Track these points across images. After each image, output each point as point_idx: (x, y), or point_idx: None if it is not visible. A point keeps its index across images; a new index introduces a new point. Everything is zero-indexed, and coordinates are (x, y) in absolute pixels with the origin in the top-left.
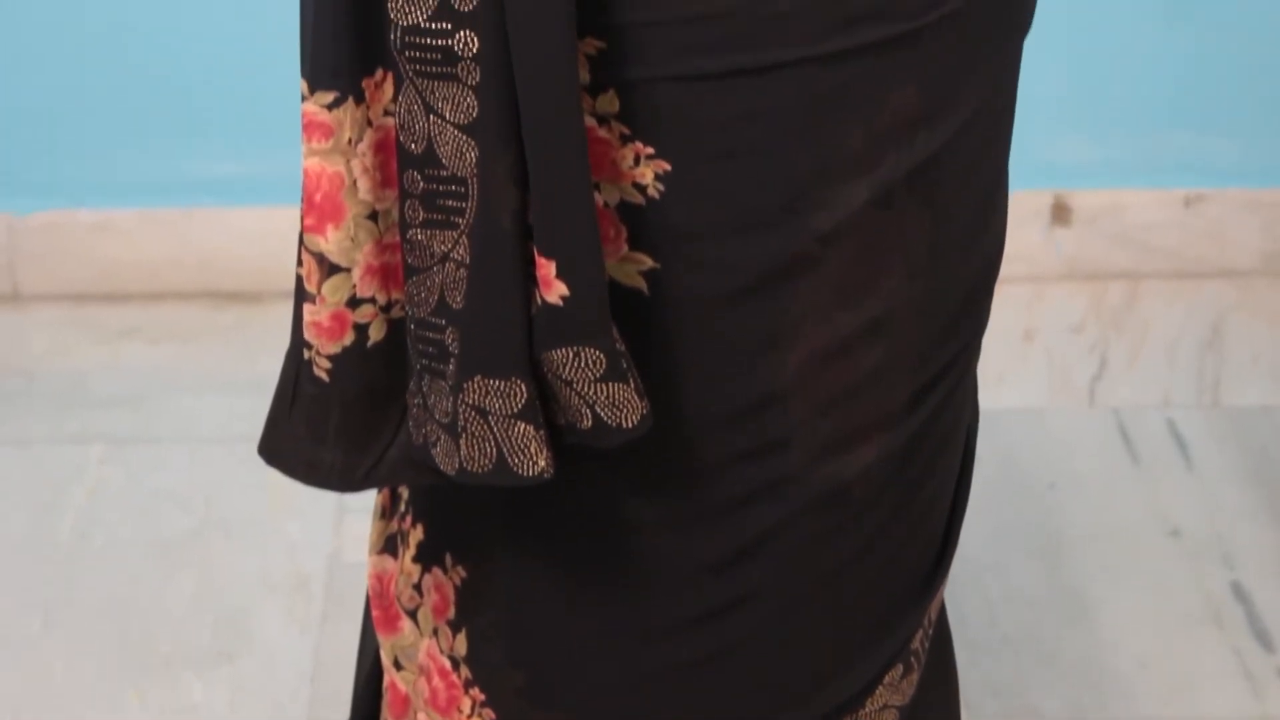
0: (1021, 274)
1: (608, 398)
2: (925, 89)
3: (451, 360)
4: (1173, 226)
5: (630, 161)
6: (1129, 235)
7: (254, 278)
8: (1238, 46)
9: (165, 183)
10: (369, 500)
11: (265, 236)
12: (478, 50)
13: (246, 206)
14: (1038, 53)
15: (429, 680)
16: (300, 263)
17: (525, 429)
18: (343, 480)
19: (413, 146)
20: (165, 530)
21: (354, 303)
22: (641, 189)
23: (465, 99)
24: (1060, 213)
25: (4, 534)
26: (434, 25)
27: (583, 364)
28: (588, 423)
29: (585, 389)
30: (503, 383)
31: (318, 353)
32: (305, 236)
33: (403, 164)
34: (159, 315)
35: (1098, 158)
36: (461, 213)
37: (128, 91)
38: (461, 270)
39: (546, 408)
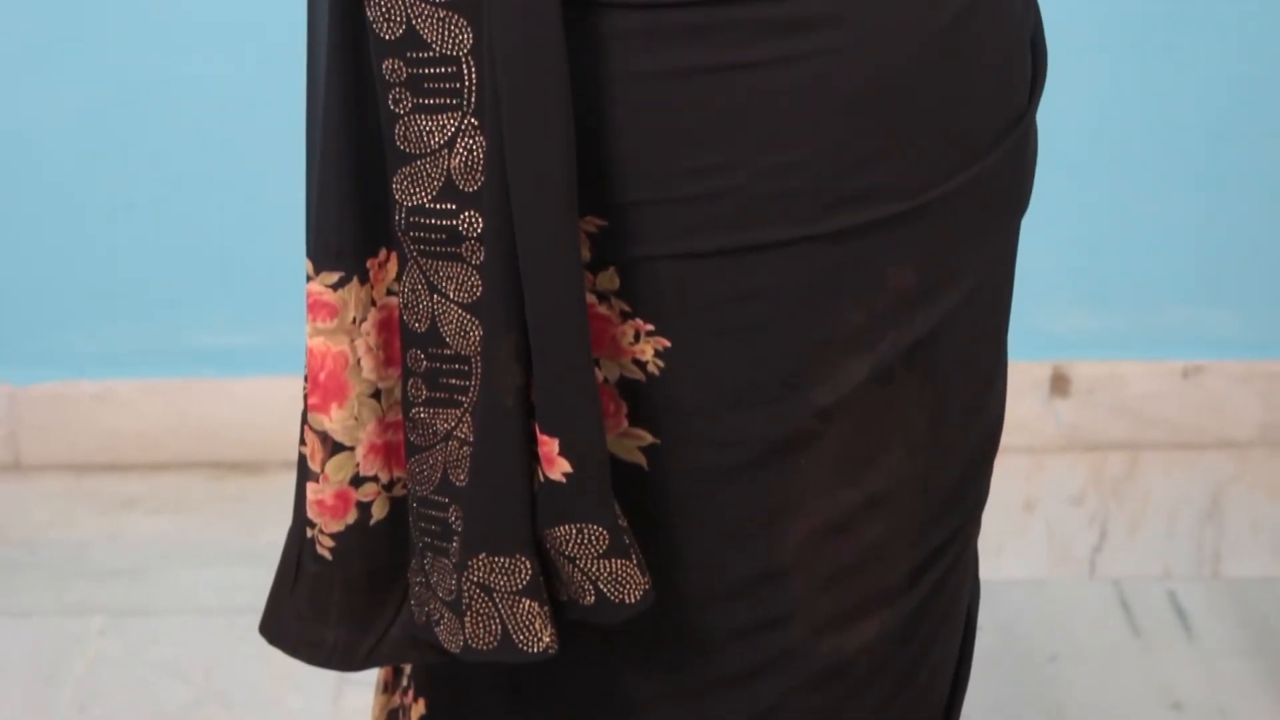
0: (1021, 444)
1: (610, 574)
2: (924, 267)
3: (455, 538)
4: (1171, 397)
5: (630, 338)
6: (1128, 406)
7: (255, 448)
8: (1234, 220)
9: (166, 353)
10: (370, 674)
11: (266, 407)
12: (482, 230)
13: (248, 377)
14: (1036, 224)
15: None
16: (303, 441)
17: (530, 605)
18: (345, 660)
19: (416, 325)
20: (165, 703)
21: (357, 481)
22: (642, 365)
23: (469, 278)
24: (1059, 383)
25: (3, 706)
26: (439, 206)
27: (585, 540)
28: (591, 598)
29: (588, 565)
30: (507, 560)
31: (321, 531)
32: (309, 415)
33: (406, 342)
34: (160, 486)
35: (1096, 329)
36: (465, 391)
37: (129, 262)
38: (465, 448)
39: (549, 583)
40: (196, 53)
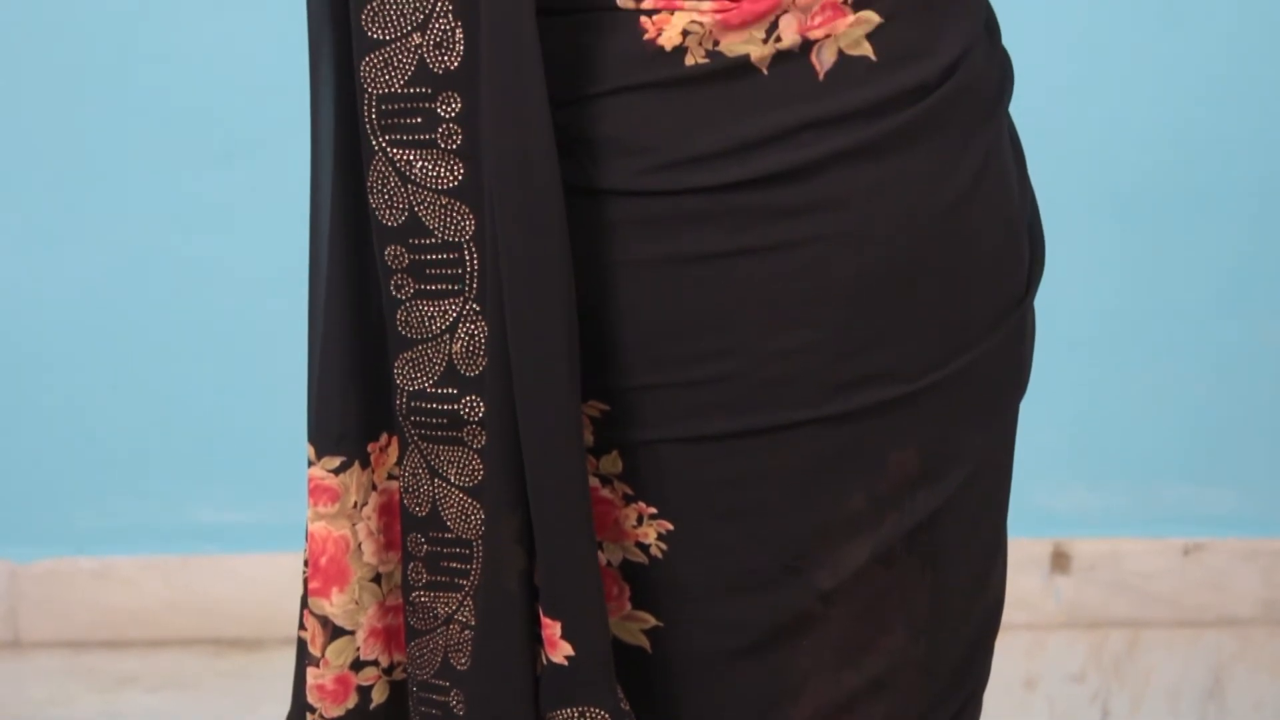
0: (1021, 622)
1: None
2: (926, 450)
3: None
4: (1172, 575)
5: (633, 521)
6: (1128, 583)
7: (254, 625)
8: (1233, 397)
9: (165, 530)
10: None
11: (265, 583)
12: (484, 415)
13: (247, 553)
14: (1035, 400)
15: None
16: (303, 626)
17: None
18: None
19: (417, 509)
20: None
21: (357, 665)
22: (644, 548)
23: (470, 463)
24: (1059, 560)
25: None
26: (440, 390)
27: None
28: None
29: None
30: None
31: (321, 716)
32: (310, 600)
33: (406, 527)
34: (159, 662)
35: (1096, 506)
36: (466, 574)
37: (128, 438)
38: (466, 632)
39: None
40: (199, 232)
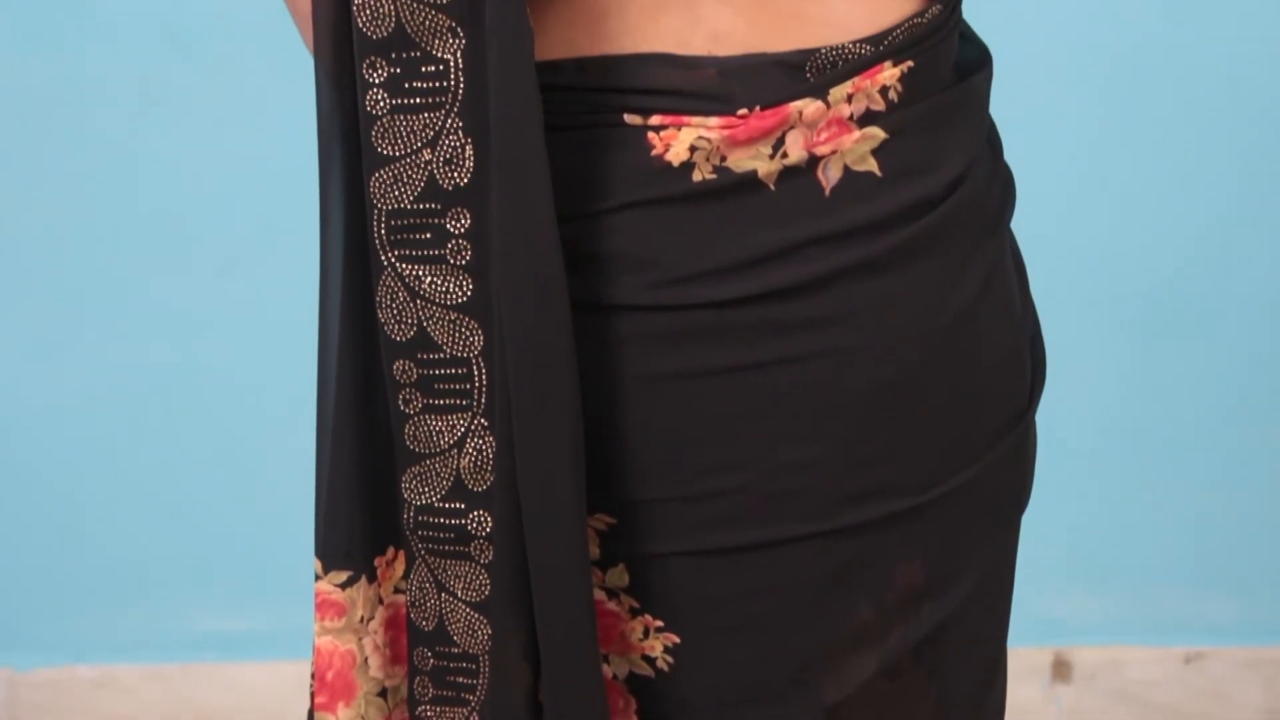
0: None
1: None
2: (931, 562)
3: None
4: (1173, 683)
5: (640, 634)
6: (1129, 692)
7: None
8: (1234, 506)
9: (166, 638)
10: None
11: (267, 692)
12: (491, 530)
13: (249, 662)
14: (1036, 509)
15: None
16: None
17: None
18: None
19: (424, 624)
20: None
21: None
22: (651, 661)
23: (478, 577)
24: (1060, 669)
25: None
26: (448, 505)
27: None
28: None
29: None
30: None
31: None
32: (316, 714)
33: (413, 641)
34: None
35: (1097, 614)
36: (472, 689)
37: (129, 546)
38: None
39: None
40: (202, 340)
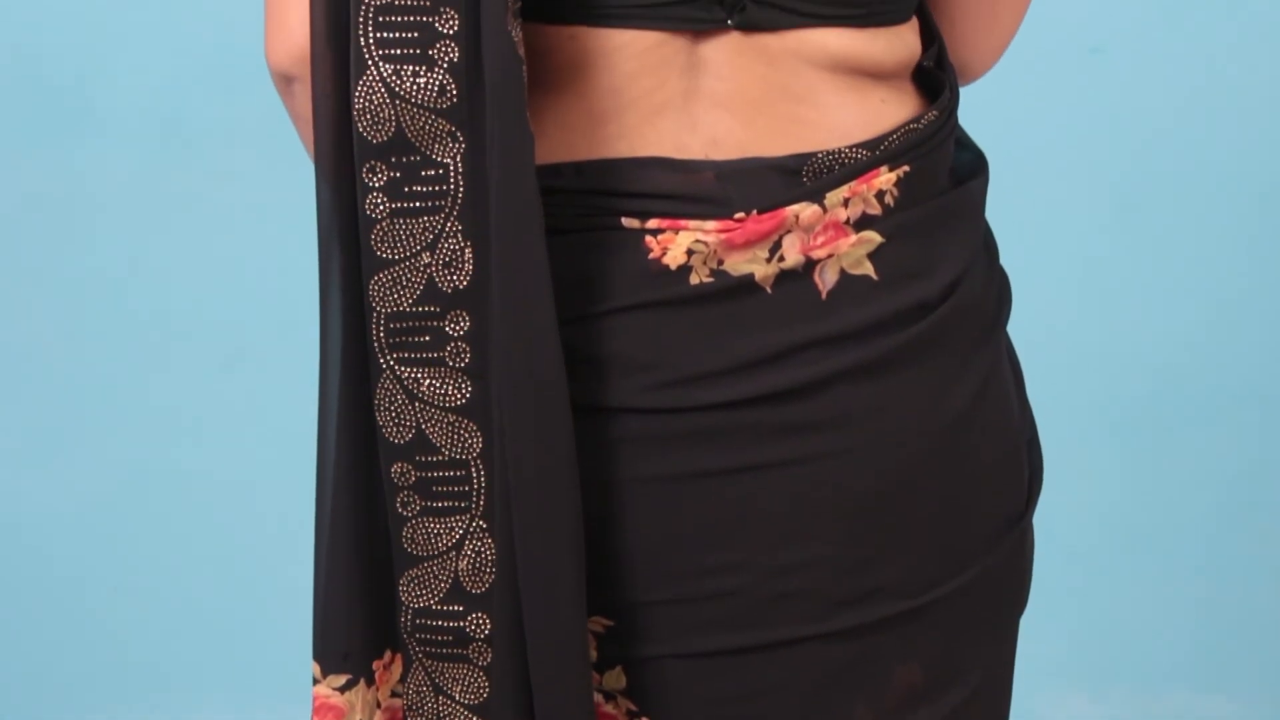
0: None
1: None
2: (929, 665)
3: None
4: None
5: None
6: None
7: None
8: (1233, 608)
9: None
10: None
11: None
12: (490, 632)
13: None
14: (1035, 609)
15: None
16: None
17: None
18: None
19: None
20: None
21: None
22: None
23: (476, 680)
24: None
25: None
26: (446, 608)
27: None
28: None
29: None
30: None
31: None
32: None
33: None
34: None
35: (1097, 716)
36: None
37: (128, 648)
38: None
39: None
40: (201, 441)
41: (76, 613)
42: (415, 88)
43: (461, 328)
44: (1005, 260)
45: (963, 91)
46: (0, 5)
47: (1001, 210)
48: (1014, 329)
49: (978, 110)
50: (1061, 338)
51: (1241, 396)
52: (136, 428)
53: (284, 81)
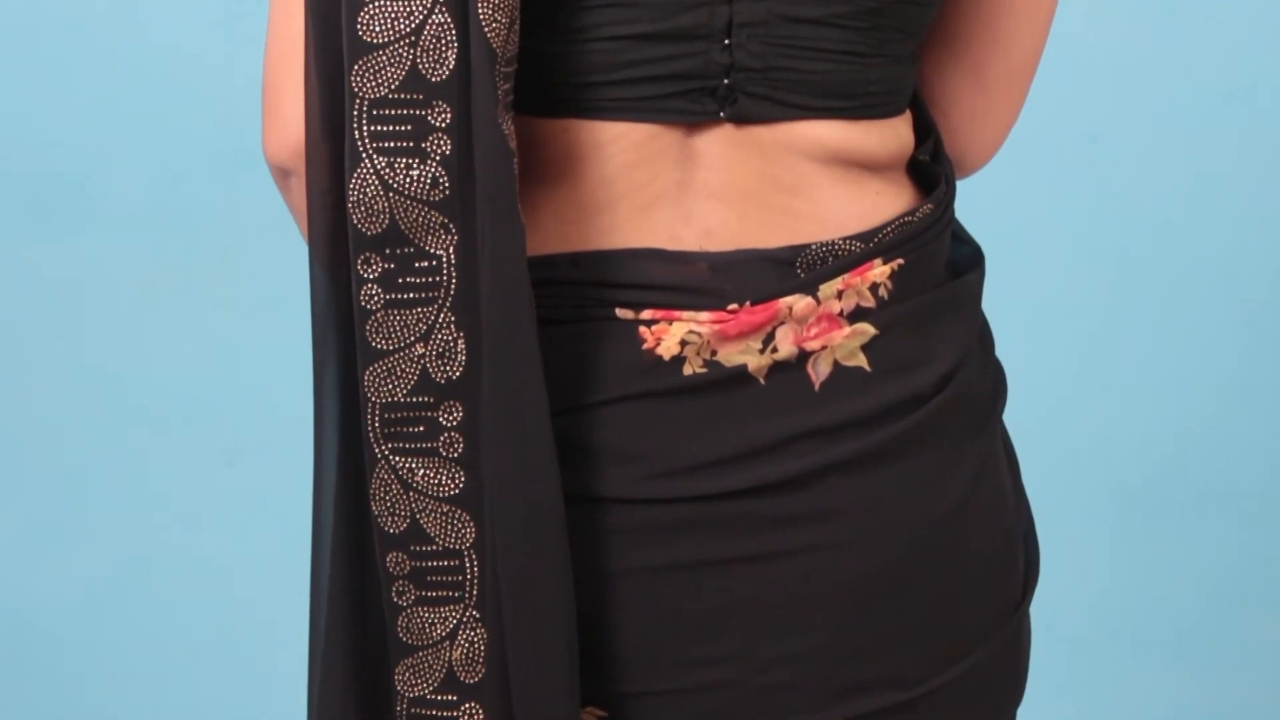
0: None
1: None
2: None
3: None
4: None
5: None
6: None
7: None
8: (1234, 697)
9: None
10: None
11: None
12: None
13: None
14: (1032, 703)
15: None
16: None
17: None
18: None
19: None
20: None
21: None
22: None
23: None
24: None
25: None
26: (440, 697)
27: None
28: None
29: None
30: None
31: None
32: None
33: None
34: None
35: None
36: None
37: None
38: None
39: None
40: (200, 532)
41: (78, 700)
42: (408, 180)
43: (455, 418)
44: (1002, 349)
45: (959, 181)
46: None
47: (999, 299)
48: (1010, 418)
49: (975, 199)
50: (1058, 427)
51: (1238, 487)
52: (137, 517)
53: (281, 175)
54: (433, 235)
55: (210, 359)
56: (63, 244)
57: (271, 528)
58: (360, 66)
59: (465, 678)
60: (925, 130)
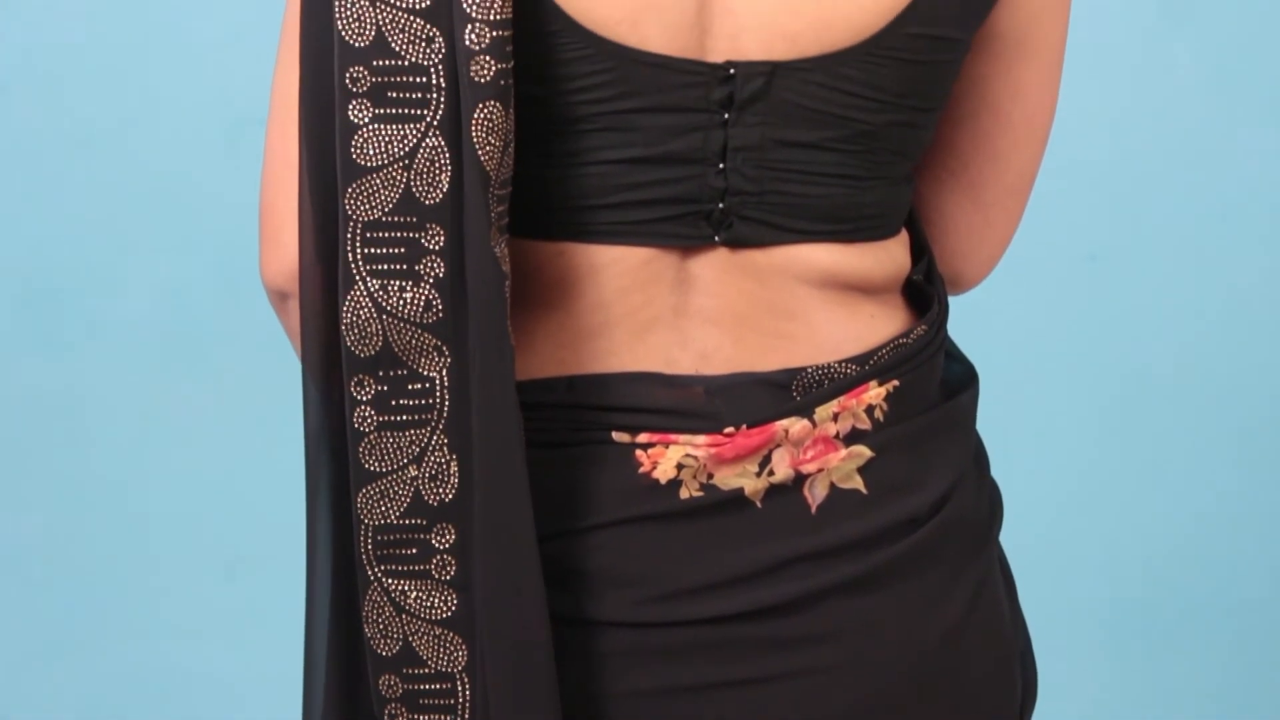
0: None
1: None
2: None
3: None
4: None
5: None
6: None
7: None
8: None
9: None
10: None
11: None
12: None
13: None
14: None
15: None
16: None
17: None
18: None
19: None
20: None
21: None
22: None
23: None
24: None
25: None
26: None
27: None
28: None
29: None
30: None
31: None
32: None
33: None
34: None
35: None
36: None
37: None
38: None
39: None
40: (198, 645)
41: None
42: (402, 303)
43: (447, 540)
44: (998, 468)
45: (957, 297)
46: (3, 213)
47: (996, 416)
48: (1006, 537)
49: (974, 315)
50: (1054, 547)
51: (1236, 604)
52: (138, 633)
53: (279, 298)
54: (426, 358)
55: (212, 475)
56: (64, 358)
57: (271, 642)
58: (354, 189)
59: None
60: (919, 250)
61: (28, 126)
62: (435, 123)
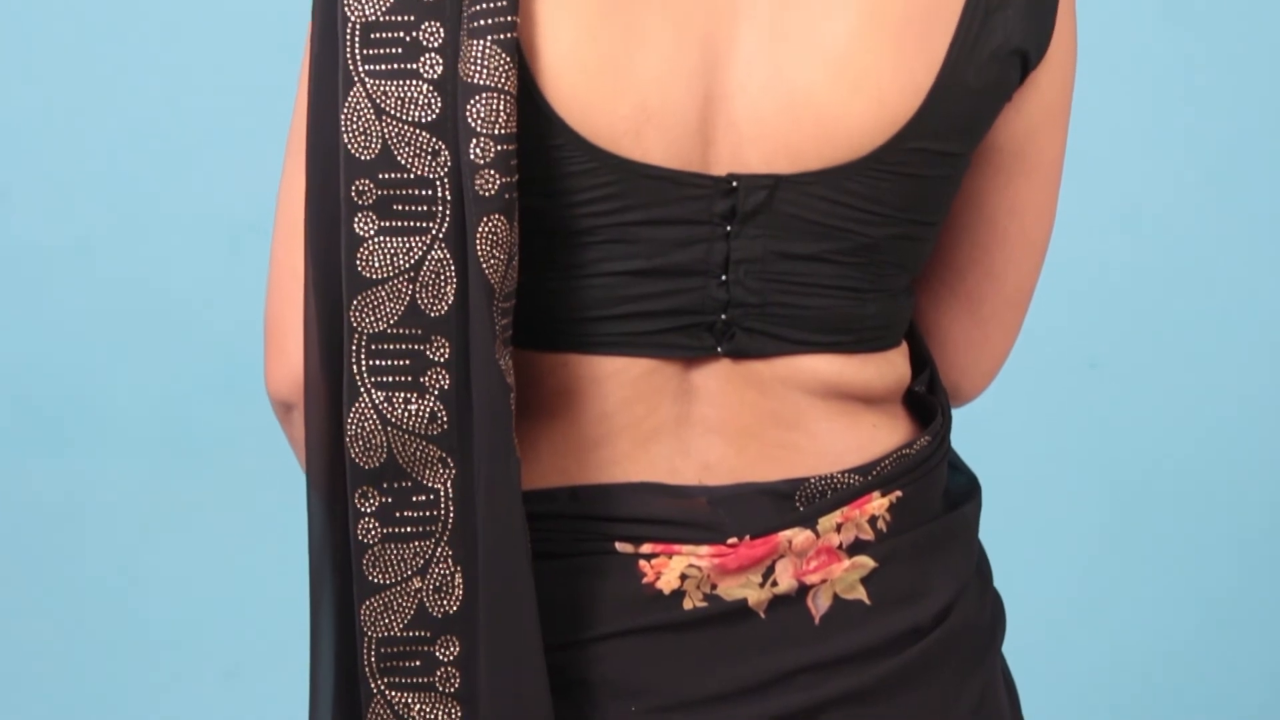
0: None
1: None
2: None
3: None
4: None
5: None
6: None
7: None
8: None
9: None
10: None
11: None
12: None
13: None
14: None
15: None
16: None
17: None
18: None
19: None
20: None
21: None
22: None
23: None
24: None
25: None
26: None
27: None
28: None
29: None
30: None
31: None
32: None
33: None
34: None
35: None
36: None
37: None
38: None
39: None
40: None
41: None
42: (406, 415)
43: (451, 653)
44: (1001, 577)
45: (960, 408)
46: (4, 316)
47: (998, 526)
48: (1009, 647)
49: (976, 425)
50: (1057, 657)
51: (1236, 710)
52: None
53: (283, 409)
54: (430, 469)
55: (211, 580)
56: (64, 463)
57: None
58: (359, 301)
59: None
60: (921, 361)
61: (28, 228)
62: (441, 235)
